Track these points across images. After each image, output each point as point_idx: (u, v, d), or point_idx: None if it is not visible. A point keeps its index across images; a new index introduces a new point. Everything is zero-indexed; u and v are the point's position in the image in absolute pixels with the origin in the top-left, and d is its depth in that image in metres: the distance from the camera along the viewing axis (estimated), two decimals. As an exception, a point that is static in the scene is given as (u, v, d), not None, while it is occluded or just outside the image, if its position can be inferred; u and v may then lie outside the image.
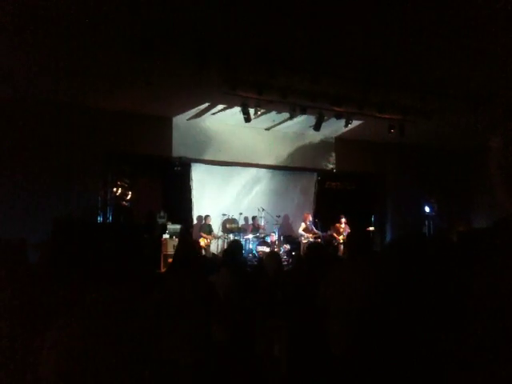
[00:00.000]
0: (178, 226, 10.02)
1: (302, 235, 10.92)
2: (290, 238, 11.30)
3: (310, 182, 12.17)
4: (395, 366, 2.00)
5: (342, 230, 10.82)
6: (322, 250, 4.16)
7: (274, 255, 5.28)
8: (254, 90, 7.70)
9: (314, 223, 11.07)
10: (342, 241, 10.59)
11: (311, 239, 10.67)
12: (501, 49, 6.16)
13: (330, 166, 11.79)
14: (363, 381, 2.32)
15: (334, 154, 11.80)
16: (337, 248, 10.66)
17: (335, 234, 10.82)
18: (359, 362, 2.58)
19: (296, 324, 3.67)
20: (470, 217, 12.17)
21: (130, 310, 1.91)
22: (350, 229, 10.70)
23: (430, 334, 1.97)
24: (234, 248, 4.15)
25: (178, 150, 10.30)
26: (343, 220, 10.89)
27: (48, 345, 1.77)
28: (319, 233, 10.86)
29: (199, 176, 11.01)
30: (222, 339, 3.52)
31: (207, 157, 10.73)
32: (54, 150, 8.72)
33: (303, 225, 10.99)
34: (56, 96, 8.39)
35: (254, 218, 10.97)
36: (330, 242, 10.81)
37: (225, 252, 4.20)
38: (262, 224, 11.01)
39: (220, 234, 10.75)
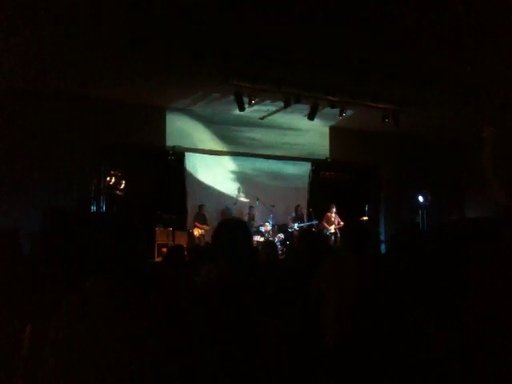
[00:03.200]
0: (172, 216, 10.01)
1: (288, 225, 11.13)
2: (284, 227, 11.33)
3: (305, 172, 12.16)
4: (388, 358, 2.02)
5: (332, 219, 10.83)
6: (314, 236, 4.15)
7: (269, 244, 5.28)
8: (248, 80, 7.66)
9: (308, 213, 11.15)
10: (333, 231, 10.62)
11: (297, 229, 10.84)
12: (496, 40, 6.16)
13: (324, 156, 11.84)
14: (356, 372, 2.35)
15: (328, 144, 11.83)
16: (328, 238, 10.68)
17: (326, 224, 10.83)
18: (353, 352, 2.61)
19: (290, 314, 3.68)
20: (464, 207, 12.25)
21: (124, 301, 1.90)
22: (341, 218, 10.74)
23: (422, 326, 1.99)
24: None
25: (172, 139, 10.28)
26: (334, 209, 10.90)
27: (42, 335, 1.77)
28: (304, 224, 10.97)
29: (193, 165, 10.98)
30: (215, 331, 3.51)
31: (201, 146, 10.72)
32: (46, 139, 8.65)
33: (293, 213, 11.12)
34: (48, 86, 8.29)
35: (250, 207, 10.98)
36: (321, 232, 10.85)
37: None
38: (256, 214, 11.03)
39: (215, 223, 10.72)
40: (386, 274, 2.37)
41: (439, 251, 2.49)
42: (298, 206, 11.21)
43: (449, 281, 2.16)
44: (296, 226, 10.95)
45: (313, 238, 4.12)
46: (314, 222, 10.90)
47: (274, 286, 3.90)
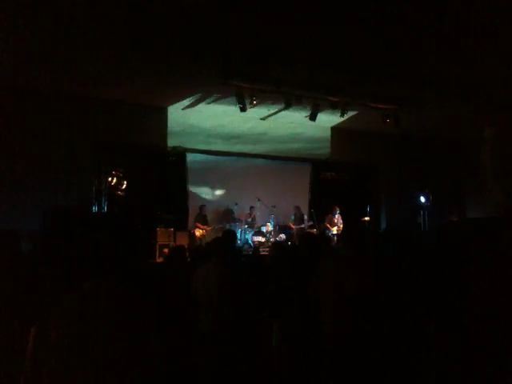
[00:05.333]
0: (173, 216, 10.01)
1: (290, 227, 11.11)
2: (285, 227, 11.33)
3: (305, 172, 12.16)
4: (388, 358, 2.02)
5: (335, 220, 10.83)
6: (314, 240, 4.15)
7: (277, 245, 5.29)
8: (249, 80, 7.66)
9: (310, 213, 11.13)
10: (335, 232, 10.61)
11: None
12: (496, 40, 6.15)
13: (325, 156, 11.84)
14: (357, 372, 2.35)
15: (329, 144, 11.81)
16: (331, 239, 10.67)
17: (329, 225, 10.82)
18: (353, 353, 2.61)
19: (291, 315, 3.68)
20: (464, 207, 12.23)
21: (124, 302, 1.90)
22: (343, 220, 10.73)
23: (422, 326, 1.99)
24: (227, 237, 4.11)
25: (173, 139, 10.30)
26: (337, 212, 10.90)
27: (43, 334, 1.76)
28: (305, 225, 10.92)
29: (194, 165, 10.99)
30: (213, 331, 3.51)
31: (202, 146, 10.73)
32: (47, 139, 8.65)
33: (292, 217, 11.10)
34: (49, 86, 8.29)
35: (251, 207, 10.98)
36: (323, 233, 10.83)
37: (216, 241, 4.13)
38: (257, 214, 11.03)
39: (215, 224, 10.73)
40: (387, 275, 2.36)
41: (440, 251, 2.49)
42: (296, 207, 11.20)
43: (449, 281, 2.15)
44: (295, 228, 10.95)
45: (313, 240, 4.12)
46: (310, 223, 10.88)
47: (275, 286, 3.90)
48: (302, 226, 10.90)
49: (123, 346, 1.78)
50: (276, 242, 9.31)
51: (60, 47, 6.59)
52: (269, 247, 8.87)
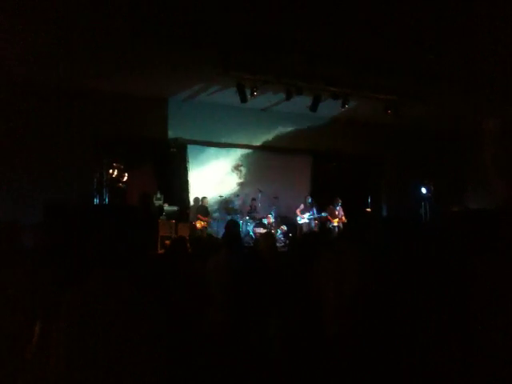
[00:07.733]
0: (174, 208, 10.02)
1: (297, 216, 11.02)
2: (287, 219, 11.31)
3: (307, 163, 12.14)
4: (387, 347, 2.02)
5: (336, 212, 10.81)
6: (317, 239, 4.14)
7: (268, 236, 5.26)
8: (249, 71, 7.63)
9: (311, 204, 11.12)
10: (336, 224, 10.61)
11: (307, 220, 10.75)
12: (497, 30, 6.11)
13: (327, 148, 11.80)
14: (356, 360, 2.37)
15: (330, 135, 11.77)
16: (331, 231, 10.66)
17: (330, 217, 10.81)
18: (352, 342, 2.62)
19: (291, 306, 3.69)
20: (466, 198, 12.22)
21: (125, 299, 1.90)
22: (345, 212, 10.71)
23: (421, 318, 1.99)
24: (234, 228, 4.07)
25: (174, 131, 10.29)
26: (339, 203, 10.88)
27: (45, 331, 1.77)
28: (315, 215, 10.87)
29: (195, 157, 10.98)
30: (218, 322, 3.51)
31: (203, 138, 10.70)
32: (48, 132, 8.66)
33: (302, 206, 11.02)
34: (49, 79, 8.28)
35: (253, 199, 10.96)
36: (324, 225, 10.83)
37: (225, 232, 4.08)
38: (259, 206, 11.01)
39: (217, 215, 10.74)
40: (387, 269, 2.36)
41: (441, 241, 2.49)
42: (307, 196, 11.10)
43: (450, 270, 2.16)
44: (307, 216, 10.84)
45: (315, 239, 4.10)
46: (324, 215, 10.79)
47: (274, 278, 3.91)
48: (312, 217, 10.81)
49: (127, 342, 1.79)
50: (266, 232, 9.22)
51: (60, 41, 6.57)
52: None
